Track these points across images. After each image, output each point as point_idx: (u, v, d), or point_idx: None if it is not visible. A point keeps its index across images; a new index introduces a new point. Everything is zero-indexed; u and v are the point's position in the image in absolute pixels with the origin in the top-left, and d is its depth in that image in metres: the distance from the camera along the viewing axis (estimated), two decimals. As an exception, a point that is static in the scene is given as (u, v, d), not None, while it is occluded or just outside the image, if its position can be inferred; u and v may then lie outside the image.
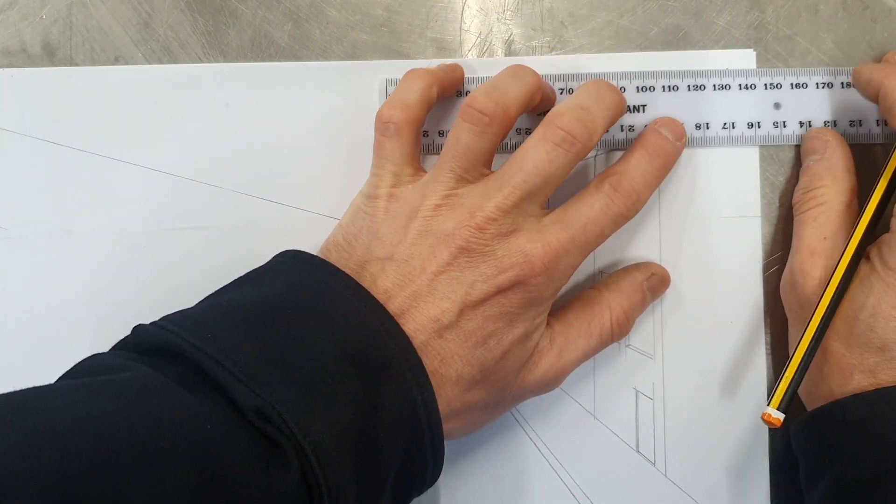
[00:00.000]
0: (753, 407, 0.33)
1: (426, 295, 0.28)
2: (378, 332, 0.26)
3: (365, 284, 0.27)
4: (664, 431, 0.33)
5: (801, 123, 0.34)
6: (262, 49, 0.35)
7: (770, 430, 0.33)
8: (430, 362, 0.27)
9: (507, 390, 0.29)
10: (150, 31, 0.36)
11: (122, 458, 0.21)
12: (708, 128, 0.34)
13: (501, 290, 0.28)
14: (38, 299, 0.34)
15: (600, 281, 0.33)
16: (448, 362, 0.27)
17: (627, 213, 0.30)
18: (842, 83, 0.33)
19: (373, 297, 0.27)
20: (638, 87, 0.34)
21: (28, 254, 0.35)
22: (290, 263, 0.28)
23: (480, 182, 0.29)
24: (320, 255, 0.30)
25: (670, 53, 0.34)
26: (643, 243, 0.34)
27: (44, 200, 0.35)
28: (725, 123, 0.34)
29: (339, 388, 0.24)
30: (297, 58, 0.35)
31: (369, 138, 0.35)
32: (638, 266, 0.33)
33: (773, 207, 0.34)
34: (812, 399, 0.30)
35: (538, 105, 0.32)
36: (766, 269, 0.34)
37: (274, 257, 0.29)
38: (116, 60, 0.36)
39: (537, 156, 0.28)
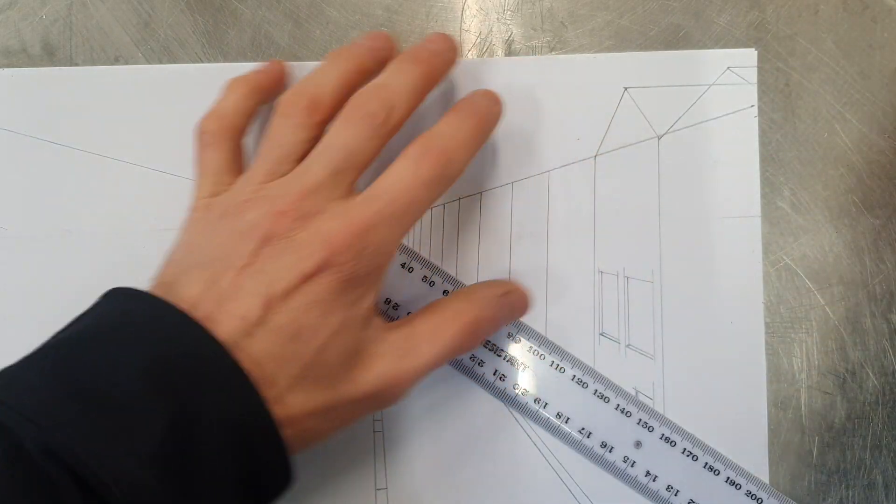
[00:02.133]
0: (753, 407, 0.33)
1: (231, 294, 0.26)
2: (185, 346, 0.25)
3: (173, 299, 0.26)
4: (664, 432, 0.33)
5: (801, 123, 0.34)
6: (262, 49, 0.35)
7: (770, 431, 0.33)
8: (244, 364, 0.25)
9: (337, 390, 0.27)
10: (151, 31, 0.36)
11: None
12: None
13: (306, 278, 0.26)
14: (38, 299, 0.35)
15: (453, 292, 0.32)
16: (263, 363, 0.25)
17: (442, 176, 0.28)
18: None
19: (179, 312, 0.25)
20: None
21: (28, 254, 0.35)
22: (103, 300, 0.27)
23: (289, 174, 0.28)
24: (150, 282, 0.29)
25: (671, 53, 0.34)
26: (643, 243, 0.34)
27: (44, 200, 0.35)
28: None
29: (142, 410, 0.23)
30: (297, 58, 0.35)
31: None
32: (498, 281, 0.33)
33: (772, 207, 0.34)
34: None
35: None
36: (766, 269, 0.34)
37: (97, 299, 0.28)
38: (116, 60, 0.36)
39: (338, 135, 0.28)
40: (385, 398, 0.29)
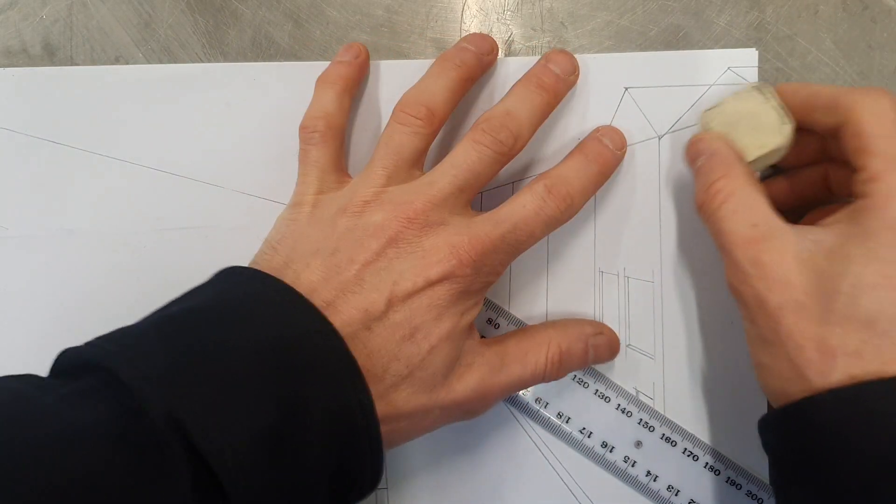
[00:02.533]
0: (753, 407, 0.33)
1: (354, 286, 0.27)
2: (307, 332, 0.25)
3: (288, 281, 0.27)
4: (665, 432, 0.33)
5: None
6: (262, 49, 0.35)
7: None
8: (357, 356, 0.26)
9: (435, 394, 0.28)
10: (151, 31, 0.36)
11: None
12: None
13: (429, 283, 0.28)
14: (38, 299, 0.34)
15: (548, 321, 0.33)
16: (375, 356, 0.27)
17: (560, 217, 0.30)
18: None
19: (301, 296, 0.26)
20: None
21: (28, 254, 0.35)
22: (222, 277, 0.28)
23: (410, 182, 0.30)
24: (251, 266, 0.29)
25: (671, 53, 0.35)
26: (644, 243, 0.34)
27: (44, 200, 0.35)
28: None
29: (260, 390, 0.23)
30: (298, 58, 0.35)
31: (369, 137, 0.35)
32: (591, 321, 0.33)
33: (773, 207, 0.34)
34: (783, 396, 0.27)
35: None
36: (766, 268, 0.34)
37: (214, 274, 0.29)
38: (117, 60, 0.36)
39: (467, 156, 0.29)
40: (470, 409, 0.30)
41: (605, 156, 0.32)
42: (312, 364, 0.25)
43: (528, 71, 0.32)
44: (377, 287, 0.27)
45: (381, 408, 0.26)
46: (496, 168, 0.30)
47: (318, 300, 0.26)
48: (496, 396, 0.30)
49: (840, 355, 0.25)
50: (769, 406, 0.31)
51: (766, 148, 0.30)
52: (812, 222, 0.29)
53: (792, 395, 0.26)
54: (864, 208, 0.27)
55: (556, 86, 0.32)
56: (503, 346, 0.30)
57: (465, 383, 0.29)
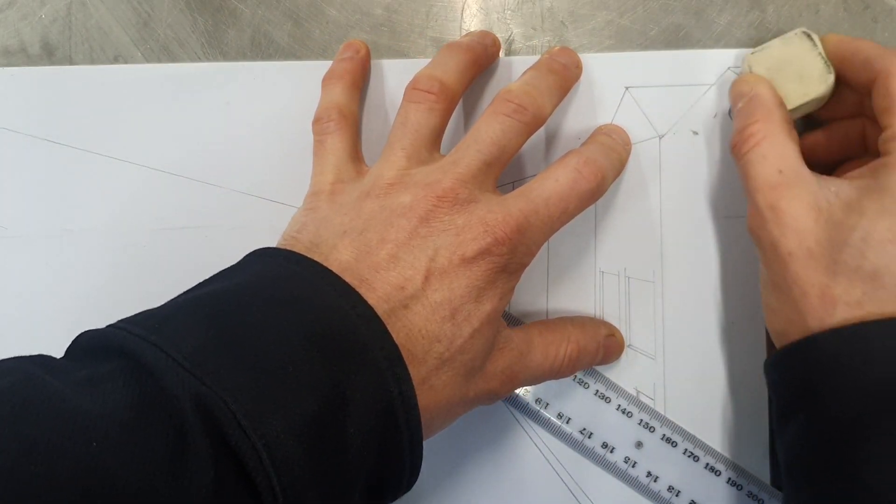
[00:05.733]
0: (754, 407, 0.33)
1: (388, 264, 0.26)
2: (348, 316, 0.24)
3: (321, 262, 0.26)
4: (665, 432, 0.33)
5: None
6: (261, 48, 0.35)
7: (771, 431, 0.33)
8: (396, 336, 0.25)
9: (470, 380, 0.27)
10: (150, 30, 0.36)
11: None
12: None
13: (466, 261, 0.26)
14: (38, 299, 0.34)
15: (566, 316, 0.33)
16: (415, 337, 0.25)
17: (594, 192, 0.29)
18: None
19: (339, 278, 0.25)
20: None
21: (28, 253, 0.35)
22: (255, 258, 0.27)
23: (434, 163, 0.29)
24: None
25: (672, 53, 0.34)
26: (644, 243, 0.34)
27: (44, 200, 0.35)
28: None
29: (301, 376, 0.22)
30: (297, 57, 0.35)
31: (368, 137, 0.34)
32: (605, 322, 0.33)
33: (773, 207, 0.34)
34: (785, 339, 0.28)
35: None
36: (766, 268, 0.34)
37: (244, 256, 0.28)
38: (116, 60, 0.36)
39: (490, 128, 0.29)
40: (496, 395, 0.29)
41: (625, 138, 0.33)
42: (353, 351, 0.23)
43: (535, 62, 0.32)
44: (413, 264, 0.26)
45: (421, 393, 0.25)
46: (521, 140, 0.29)
47: (350, 278, 0.25)
48: (520, 383, 0.30)
49: (841, 304, 0.26)
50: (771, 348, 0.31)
51: (808, 96, 0.30)
52: (842, 175, 0.29)
53: (793, 337, 0.27)
54: (885, 165, 0.27)
55: (564, 71, 0.32)
56: (529, 335, 0.30)
57: (496, 367, 0.28)
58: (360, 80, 0.34)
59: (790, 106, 0.30)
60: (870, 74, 0.29)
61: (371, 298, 0.25)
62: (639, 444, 0.33)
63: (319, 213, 0.29)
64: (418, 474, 0.26)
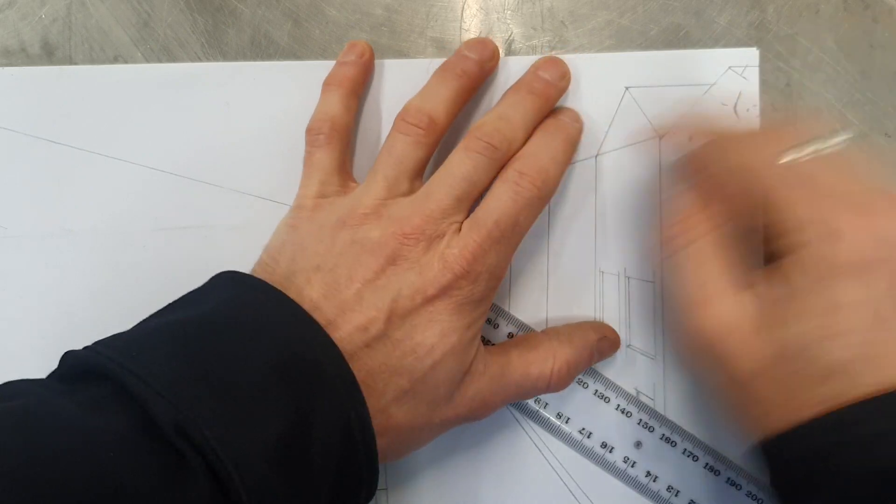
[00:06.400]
0: (754, 407, 0.33)
1: (353, 305, 0.27)
2: (309, 345, 0.26)
3: (292, 297, 0.27)
4: (664, 432, 0.33)
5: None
6: (261, 48, 0.35)
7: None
8: (357, 374, 0.26)
9: (436, 408, 0.28)
10: (150, 30, 0.36)
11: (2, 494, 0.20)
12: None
13: (427, 300, 0.27)
14: (38, 299, 0.34)
15: (550, 328, 0.33)
16: (376, 373, 0.27)
17: (540, 195, 0.29)
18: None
19: (302, 310, 0.26)
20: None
21: (28, 253, 0.35)
22: (223, 283, 0.28)
23: (409, 196, 0.30)
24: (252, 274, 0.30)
25: (672, 53, 0.34)
26: (644, 243, 0.34)
27: (44, 200, 0.35)
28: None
29: (268, 402, 0.24)
30: (297, 57, 0.35)
31: (368, 137, 0.35)
32: (592, 325, 0.33)
33: (773, 207, 0.34)
34: (759, 427, 0.27)
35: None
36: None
37: (210, 279, 0.29)
38: (115, 60, 0.36)
39: (462, 165, 0.29)
40: (471, 418, 0.30)
41: (565, 124, 0.32)
42: (314, 378, 0.25)
43: (518, 80, 0.32)
44: (376, 305, 0.27)
45: (381, 421, 0.27)
46: (491, 174, 0.30)
47: (319, 317, 0.27)
48: (497, 406, 0.30)
49: (805, 408, 0.25)
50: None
51: None
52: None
53: (765, 429, 0.27)
54: (781, 266, 0.27)
55: (546, 90, 0.32)
56: (506, 357, 0.30)
57: (465, 394, 0.29)
58: (361, 86, 0.34)
59: None
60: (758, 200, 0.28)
61: (336, 338, 0.26)
62: (638, 444, 0.33)
63: (299, 234, 0.30)
64: (375, 490, 0.27)
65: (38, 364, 0.34)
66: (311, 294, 0.27)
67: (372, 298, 0.27)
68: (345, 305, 0.27)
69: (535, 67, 0.33)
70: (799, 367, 0.26)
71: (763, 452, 0.27)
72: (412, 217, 0.28)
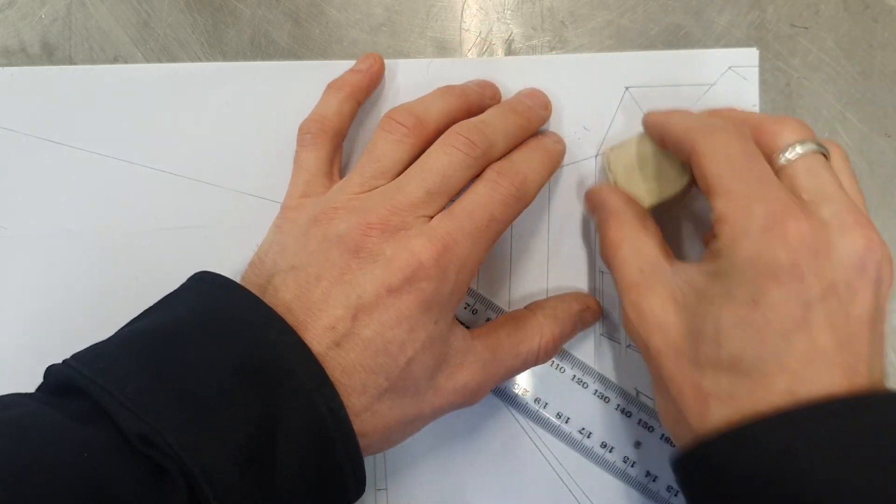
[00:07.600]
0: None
1: (321, 304, 0.27)
2: (275, 345, 0.25)
3: (268, 299, 0.27)
4: (664, 431, 0.33)
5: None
6: (261, 48, 0.35)
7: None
8: (332, 373, 0.26)
9: (421, 398, 0.28)
10: (150, 30, 0.36)
11: None
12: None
13: (392, 292, 0.27)
14: (38, 299, 0.34)
15: (534, 303, 0.33)
16: (351, 372, 0.26)
17: (518, 195, 0.29)
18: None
19: (271, 310, 0.26)
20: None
21: (28, 253, 0.35)
22: (195, 286, 0.28)
23: (381, 188, 0.29)
24: (242, 276, 0.30)
25: (672, 53, 0.34)
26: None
27: (44, 200, 0.35)
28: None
29: (233, 408, 0.24)
30: (297, 57, 0.35)
31: (367, 138, 0.35)
32: (575, 296, 0.33)
33: (773, 207, 0.34)
34: (677, 439, 0.28)
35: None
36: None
37: (186, 280, 0.29)
38: (115, 60, 0.36)
39: (437, 158, 0.29)
40: (465, 403, 0.30)
41: (547, 145, 0.32)
42: (281, 378, 0.25)
43: (501, 103, 0.32)
44: (343, 303, 0.27)
45: (368, 418, 0.27)
46: (468, 174, 0.29)
47: (292, 319, 0.26)
48: (491, 387, 0.30)
49: (713, 399, 0.25)
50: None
51: (662, 196, 0.31)
52: (707, 241, 0.28)
53: (683, 439, 0.27)
54: (719, 249, 0.26)
55: (528, 112, 0.32)
56: (494, 339, 0.30)
57: (456, 382, 0.29)
58: (362, 92, 0.33)
59: (647, 204, 0.30)
60: (685, 155, 0.28)
61: (306, 338, 0.26)
62: (638, 444, 0.33)
63: (283, 234, 0.30)
64: (364, 483, 0.27)
65: (38, 364, 0.34)
66: (286, 295, 0.27)
67: (339, 296, 0.27)
68: (313, 305, 0.27)
69: (519, 94, 0.33)
70: (708, 350, 0.26)
71: (672, 466, 0.27)
72: (378, 208, 0.28)
